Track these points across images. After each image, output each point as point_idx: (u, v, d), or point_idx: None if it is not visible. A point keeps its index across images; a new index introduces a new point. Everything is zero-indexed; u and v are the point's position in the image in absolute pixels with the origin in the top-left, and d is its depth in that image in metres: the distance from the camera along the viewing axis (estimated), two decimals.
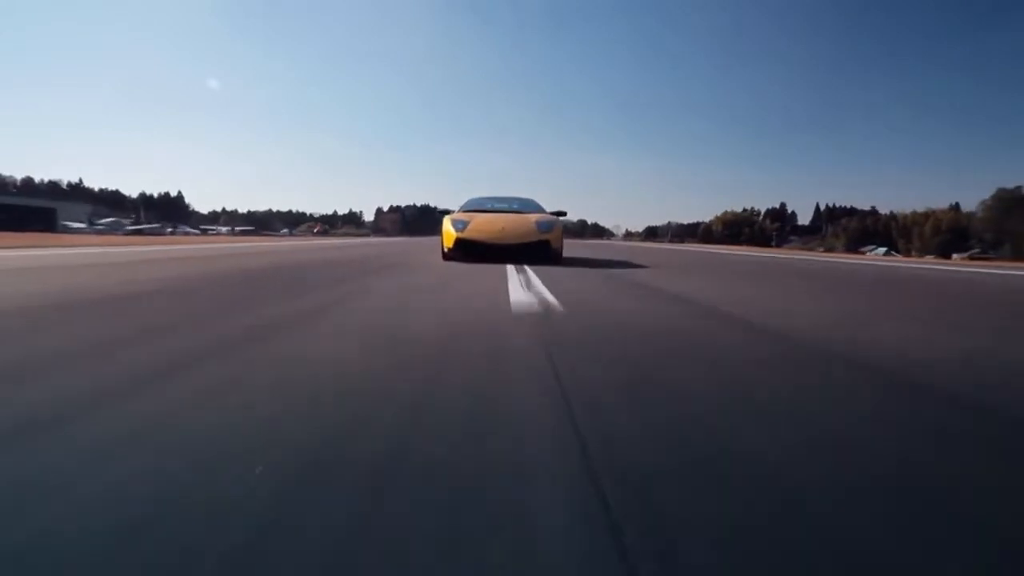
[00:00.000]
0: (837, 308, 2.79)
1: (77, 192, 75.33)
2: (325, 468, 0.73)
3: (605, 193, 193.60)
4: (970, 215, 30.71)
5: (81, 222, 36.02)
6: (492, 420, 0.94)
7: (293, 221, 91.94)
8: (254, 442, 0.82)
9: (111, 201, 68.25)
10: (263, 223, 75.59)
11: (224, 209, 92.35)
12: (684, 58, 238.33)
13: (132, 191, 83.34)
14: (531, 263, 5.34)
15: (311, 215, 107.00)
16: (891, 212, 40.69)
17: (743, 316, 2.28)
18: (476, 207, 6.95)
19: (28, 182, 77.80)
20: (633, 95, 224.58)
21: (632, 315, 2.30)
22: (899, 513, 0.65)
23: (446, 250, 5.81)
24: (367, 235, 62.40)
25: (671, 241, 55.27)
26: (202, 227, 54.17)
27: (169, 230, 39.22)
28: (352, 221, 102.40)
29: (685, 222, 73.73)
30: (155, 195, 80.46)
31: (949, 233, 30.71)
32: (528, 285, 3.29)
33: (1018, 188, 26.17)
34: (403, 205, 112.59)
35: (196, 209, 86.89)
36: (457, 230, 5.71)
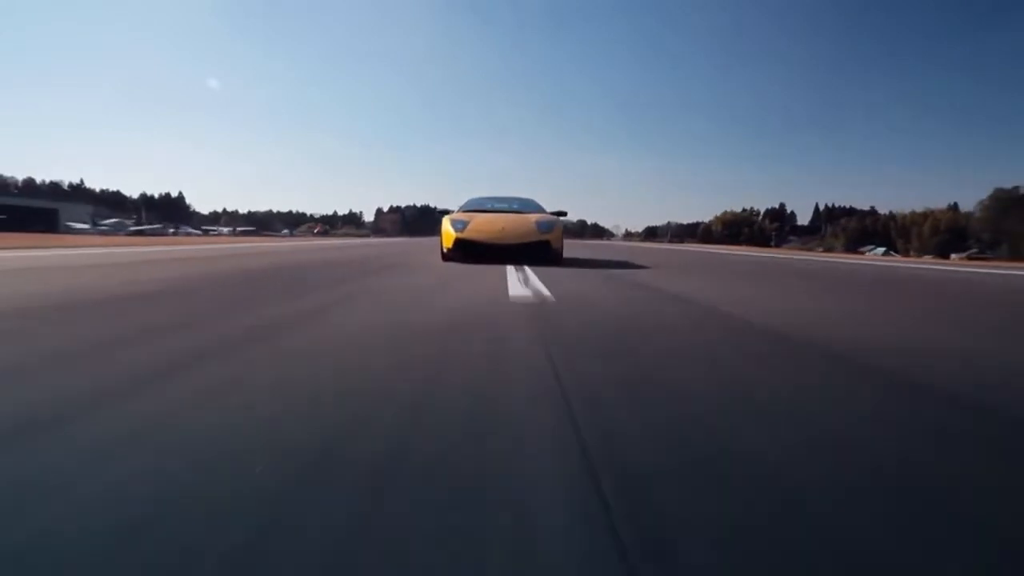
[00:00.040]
0: (836, 308, 2.79)
1: (78, 193, 75.37)
2: (335, 455, 0.73)
3: (605, 193, 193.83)
4: (968, 215, 30.70)
5: (84, 223, 36.14)
6: (492, 420, 0.94)
7: (293, 222, 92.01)
8: (254, 441, 0.82)
9: (112, 202, 68.30)
10: (263, 223, 75.64)
11: (225, 210, 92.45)
12: (684, 58, 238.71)
13: (133, 192, 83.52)
14: (531, 263, 5.34)
15: (311, 216, 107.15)
16: (890, 212, 40.72)
17: (742, 316, 2.28)
18: (476, 207, 6.90)
19: (29, 183, 77.86)
20: (633, 95, 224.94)
21: (634, 318, 2.30)
22: (899, 513, 0.65)
23: (445, 250, 5.77)
24: (367, 235, 62.44)
25: (670, 241, 55.27)
26: (203, 228, 54.31)
27: (171, 231, 39.33)
28: (352, 221, 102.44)
29: (685, 222, 73.78)
30: (156, 196, 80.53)
31: (948, 233, 30.71)
32: (526, 283, 3.33)
33: (1015, 188, 26.16)
34: (403, 205, 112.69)
35: (197, 210, 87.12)
36: (456, 230, 5.67)
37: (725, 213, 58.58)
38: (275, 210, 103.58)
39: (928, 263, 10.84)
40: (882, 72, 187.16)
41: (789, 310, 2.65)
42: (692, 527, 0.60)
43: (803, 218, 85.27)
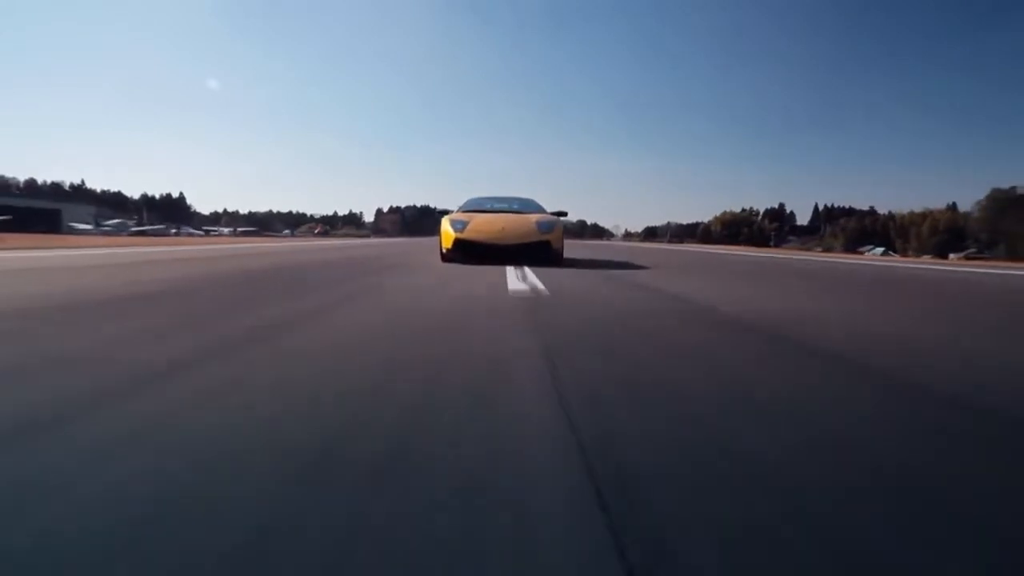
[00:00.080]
0: (836, 308, 2.79)
1: (80, 193, 75.44)
2: (351, 432, 0.73)
3: (605, 193, 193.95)
4: (967, 215, 30.72)
5: (87, 223, 36.50)
6: (493, 419, 0.94)
7: (293, 222, 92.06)
8: (254, 441, 0.82)
9: (113, 202, 68.36)
10: (264, 224, 75.72)
11: (225, 210, 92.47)
12: (684, 58, 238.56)
13: (134, 192, 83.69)
14: (531, 264, 5.34)
15: (311, 216, 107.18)
16: (889, 212, 40.77)
17: (739, 316, 2.29)
18: (475, 207, 6.86)
19: (31, 184, 77.94)
20: (633, 95, 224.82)
21: (636, 318, 2.31)
22: (899, 513, 0.65)
23: (445, 251, 5.73)
24: (367, 236, 62.48)
25: (670, 241, 55.31)
26: (204, 228, 54.47)
27: (173, 231, 39.46)
28: (352, 222, 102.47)
29: (684, 222, 73.85)
30: (157, 196, 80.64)
31: (946, 233, 30.75)
32: (524, 280, 3.34)
33: (1013, 188, 26.16)
34: (403, 206, 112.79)
35: (197, 210, 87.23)
36: (456, 230, 5.62)
37: (724, 213, 58.66)
38: (275, 210, 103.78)
39: (926, 263, 10.86)
40: (882, 72, 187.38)
41: (789, 309, 2.65)
42: (680, 515, 0.60)
43: (802, 218, 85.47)
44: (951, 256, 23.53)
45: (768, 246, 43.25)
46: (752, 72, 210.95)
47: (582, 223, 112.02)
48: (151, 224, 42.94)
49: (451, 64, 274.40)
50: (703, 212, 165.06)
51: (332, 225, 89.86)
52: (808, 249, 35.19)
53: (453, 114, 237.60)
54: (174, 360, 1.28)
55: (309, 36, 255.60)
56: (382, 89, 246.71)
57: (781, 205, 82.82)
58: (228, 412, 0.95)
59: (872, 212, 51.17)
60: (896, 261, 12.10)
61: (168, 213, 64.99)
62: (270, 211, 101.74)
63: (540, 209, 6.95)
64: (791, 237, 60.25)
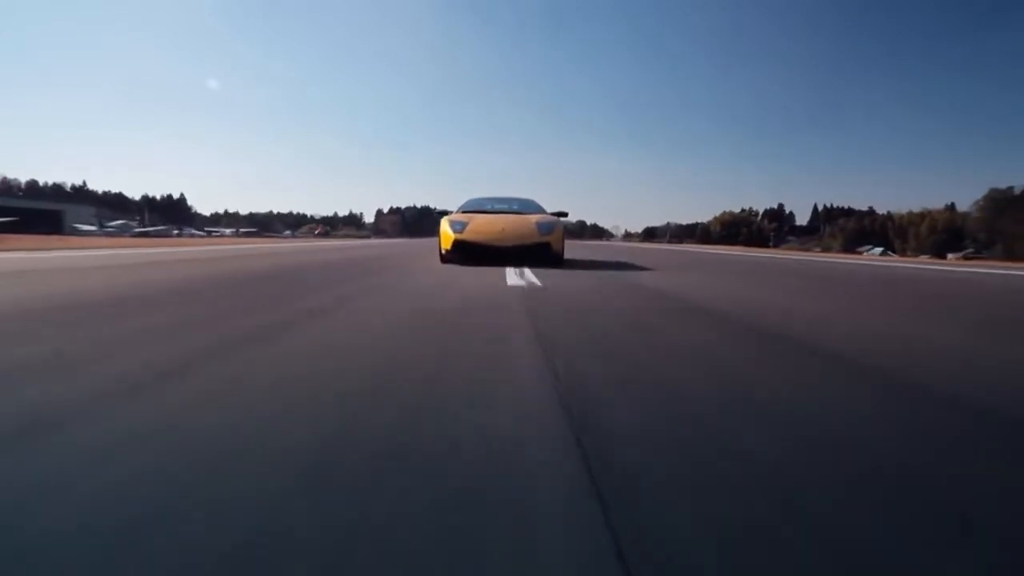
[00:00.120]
0: (835, 307, 2.79)
1: (81, 195, 75.49)
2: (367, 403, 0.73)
3: (604, 193, 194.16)
4: (965, 215, 30.71)
5: (91, 225, 36.70)
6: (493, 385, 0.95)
7: (294, 223, 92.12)
8: (254, 440, 0.82)
9: (115, 203, 68.42)
10: (264, 225, 75.77)
11: (226, 211, 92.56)
12: (684, 58, 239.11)
13: (135, 193, 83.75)
14: (531, 265, 5.34)
15: (312, 217, 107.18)
16: (888, 212, 40.77)
17: (741, 317, 2.29)
18: (475, 208, 6.79)
19: (33, 185, 77.99)
20: (633, 95, 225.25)
21: (639, 319, 2.31)
22: (899, 513, 0.65)
23: (444, 252, 5.68)
24: (367, 237, 62.52)
25: (669, 242, 55.32)
26: (206, 229, 54.53)
27: (176, 232, 39.57)
28: (352, 223, 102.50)
29: (684, 222, 73.81)
30: (158, 197, 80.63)
31: (945, 233, 30.74)
32: (521, 277, 3.35)
33: (1010, 188, 26.16)
34: (403, 206, 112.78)
35: (198, 211, 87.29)
36: (455, 231, 5.57)
37: (724, 214, 58.64)
38: (276, 211, 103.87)
39: (923, 263, 10.88)
40: (882, 72, 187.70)
41: (789, 309, 2.65)
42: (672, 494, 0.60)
43: (801, 218, 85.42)
44: (949, 256, 23.54)
45: (767, 246, 43.25)
46: (752, 72, 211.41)
47: (582, 223, 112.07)
48: (153, 225, 43.03)
49: (451, 64, 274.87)
50: (703, 212, 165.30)
51: (332, 226, 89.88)
52: (807, 249, 35.18)
53: (453, 114, 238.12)
54: (174, 359, 1.29)
55: (309, 36, 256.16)
56: (382, 89, 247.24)
57: (780, 205, 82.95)
58: (229, 412, 0.95)
59: (871, 212, 51.13)
60: (894, 261, 12.10)
61: (169, 214, 65.00)
62: (270, 212, 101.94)
63: (540, 210, 6.88)
64: (790, 237, 60.25)
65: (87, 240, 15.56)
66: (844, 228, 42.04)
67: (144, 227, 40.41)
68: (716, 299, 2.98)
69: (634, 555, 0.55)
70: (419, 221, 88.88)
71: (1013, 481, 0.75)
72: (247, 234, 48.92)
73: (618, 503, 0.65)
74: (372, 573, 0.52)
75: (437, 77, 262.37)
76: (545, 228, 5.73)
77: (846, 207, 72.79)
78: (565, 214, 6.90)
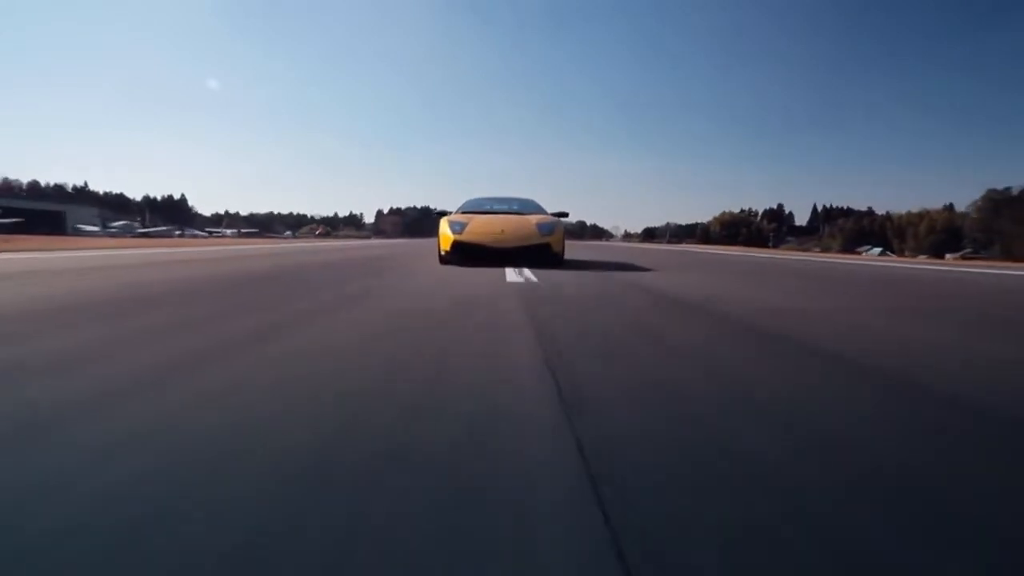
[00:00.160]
0: (835, 307, 2.79)
1: (83, 195, 75.56)
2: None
3: (604, 193, 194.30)
4: (964, 215, 30.73)
5: (94, 225, 36.94)
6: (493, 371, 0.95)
7: (294, 223, 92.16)
8: (254, 439, 0.82)
9: (116, 204, 68.48)
10: (265, 225, 75.82)
11: (227, 211, 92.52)
12: (684, 58, 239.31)
13: (136, 194, 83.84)
14: (531, 266, 5.33)
15: (312, 217, 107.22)
16: (887, 213, 40.77)
17: (741, 317, 2.29)
18: (475, 208, 6.73)
19: (34, 185, 77.96)
20: (633, 95, 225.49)
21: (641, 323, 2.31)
22: (899, 513, 0.65)
23: (443, 253, 5.63)
24: (368, 237, 62.53)
25: (669, 242, 55.32)
26: (208, 230, 54.62)
27: (177, 233, 39.74)
28: (353, 223, 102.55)
29: (683, 223, 73.89)
30: (159, 198, 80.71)
31: (943, 233, 30.77)
32: (521, 276, 3.34)
33: (1008, 189, 26.19)
34: (404, 207, 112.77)
35: (199, 212, 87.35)
36: (454, 232, 5.52)
37: (724, 214, 58.68)
38: (276, 212, 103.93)
39: (922, 263, 10.89)
40: (882, 72, 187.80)
41: (793, 309, 2.65)
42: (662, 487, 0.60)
43: (801, 219, 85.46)
44: (947, 256, 23.56)
45: (766, 247, 43.25)
46: (752, 72, 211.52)
47: (581, 224, 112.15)
48: (155, 226, 43.13)
49: (451, 64, 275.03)
50: (702, 213, 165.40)
51: (333, 226, 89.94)
52: (806, 249, 35.17)
53: (453, 114, 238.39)
54: (174, 359, 1.29)
55: (309, 36, 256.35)
56: (382, 89, 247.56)
57: (780, 206, 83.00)
58: (229, 411, 0.95)
59: (870, 212, 51.13)
60: (893, 261, 12.10)
61: (170, 214, 65.06)
62: (271, 212, 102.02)
63: (540, 210, 6.82)
64: (789, 238, 60.25)
65: (92, 241, 15.61)
66: (843, 228, 42.07)
67: (146, 228, 40.52)
68: (716, 299, 2.98)
69: (634, 555, 0.55)
70: (419, 222, 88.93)
71: (1013, 481, 0.75)
72: (248, 235, 49.01)
73: (618, 503, 0.65)
74: (372, 573, 0.52)
75: (437, 77, 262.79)
76: (545, 229, 5.69)
77: (845, 207, 72.86)
78: (565, 214, 6.84)
